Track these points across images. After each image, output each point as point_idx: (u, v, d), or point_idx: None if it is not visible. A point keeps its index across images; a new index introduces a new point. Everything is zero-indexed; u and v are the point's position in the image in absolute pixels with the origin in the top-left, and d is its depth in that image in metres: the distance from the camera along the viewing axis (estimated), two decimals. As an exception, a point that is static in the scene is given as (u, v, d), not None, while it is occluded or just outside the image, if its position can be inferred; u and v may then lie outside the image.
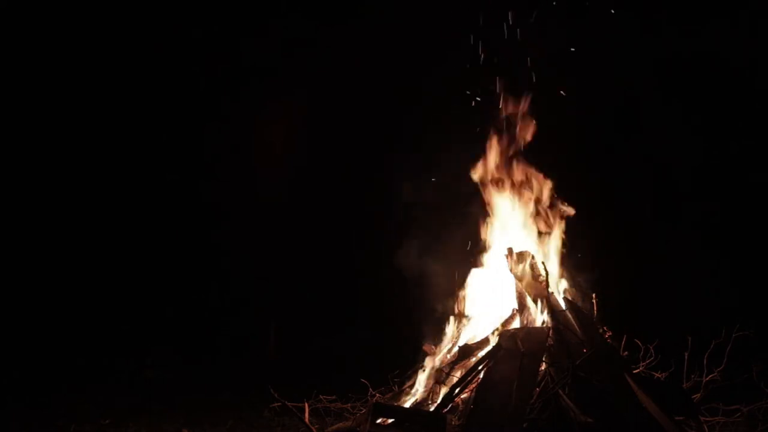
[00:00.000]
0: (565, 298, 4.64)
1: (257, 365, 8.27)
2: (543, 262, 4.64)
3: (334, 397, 4.77)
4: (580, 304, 4.68)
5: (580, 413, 3.57)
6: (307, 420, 4.16)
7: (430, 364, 4.82)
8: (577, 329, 4.32)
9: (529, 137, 5.22)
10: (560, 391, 3.74)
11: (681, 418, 4.02)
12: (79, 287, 8.94)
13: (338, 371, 6.17)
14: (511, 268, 4.75)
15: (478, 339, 4.65)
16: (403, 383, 4.84)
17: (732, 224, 8.84)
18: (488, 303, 4.96)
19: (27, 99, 8.95)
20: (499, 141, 5.25)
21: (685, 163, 8.85)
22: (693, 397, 4.42)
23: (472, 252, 5.26)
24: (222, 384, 7.25)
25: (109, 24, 8.99)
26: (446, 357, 4.77)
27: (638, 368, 4.61)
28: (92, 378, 7.31)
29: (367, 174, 9.13)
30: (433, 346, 4.97)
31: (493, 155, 5.26)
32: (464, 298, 5.11)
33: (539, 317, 4.48)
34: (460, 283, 5.18)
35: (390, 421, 4.03)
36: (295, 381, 5.29)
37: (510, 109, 5.29)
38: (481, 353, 4.39)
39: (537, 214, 5.12)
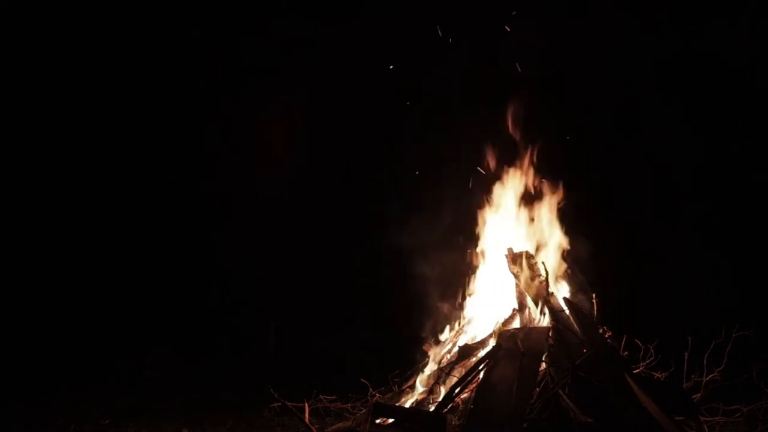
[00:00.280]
0: (565, 298, 4.64)
1: (257, 365, 8.27)
2: (543, 262, 4.64)
3: (334, 397, 4.76)
4: (579, 303, 4.69)
5: (580, 413, 3.57)
6: (307, 420, 4.16)
7: (430, 364, 4.83)
8: (577, 329, 4.32)
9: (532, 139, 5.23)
10: (560, 391, 3.74)
11: (681, 418, 4.01)
12: (79, 287, 8.94)
13: (338, 371, 6.17)
14: (511, 268, 4.75)
15: (478, 339, 4.66)
16: (403, 383, 4.84)
17: (732, 224, 8.84)
18: (488, 303, 4.96)
19: (27, 99, 8.94)
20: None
21: (685, 163, 8.85)
22: (693, 397, 4.42)
23: (472, 252, 5.26)
24: (222, 384, 7.25)
25: (109, 24, 8.99)
26: (446, 357, 4.77)
27: (638, 368, 4.61)
28: (92, 378, 7.31)
29: (367, 174, 9.14)
30: (433, 346, 4.98)
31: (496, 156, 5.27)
32: (464, 298, 5.12)
33: (539, 317, 4.49)
34: (461, 284, 5.19)
35: (390, 421, 4.03)
36: (295, 381, 5.29)
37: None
38: (481, 353, 4.39)
39: (538, 213, 5.12)
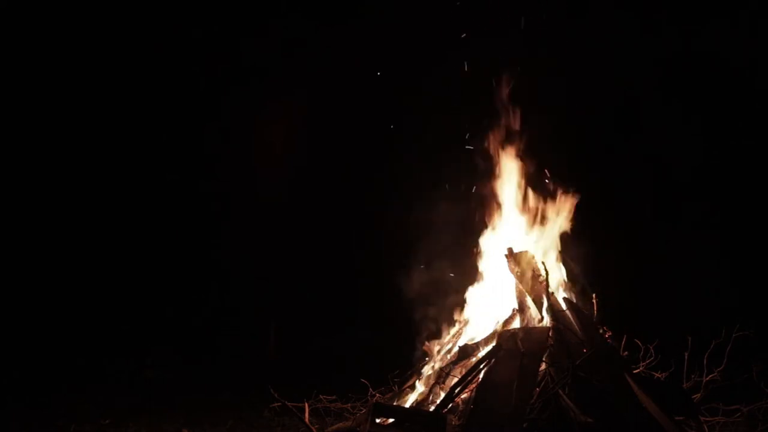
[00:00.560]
0: (565, 298, 4.64)
1: (257, 365, 8.26)
2: (543, 262, 4.64)
3: (334, 397, 4.77)
4: (579, 303, 4.69)
5: (580, 413, 3.57)
6: (307, 420, 4.16)
7: (430, 364, 4.83)
8: (577, 329, 4.32)
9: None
10: (560, 391, 3.74)
11: (681, 418, 4.01)
12: (79, 287, 8.94)
13: (338, 371, 6.17)
14: (511, 268, 4.75)
15: (478, 339, 4.65)
16: (403, 383, 4.84)
17: (732, 224, 8.84)
18: (488, 303, 4.96)
19: (27, 99, 8.95)
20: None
21: (685, 163, 8.85)
22: (693, 397, 4.42)
23: (472, 252, 5.25)
24: (222, 384, 7.25)
25: (109, 24, 8.99)
26: (446, 357, 4.77)
27: (638, 368, 4.61)
28: (92, 378, 7.31)
29: (367, 174, 9.14)
30: (433, 346, 4.98)
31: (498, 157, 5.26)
32: (464, 298, 5.12)
33: (539, 317, 4.49)
34: (461, 284, 5.19)
35: (390, 421, 4.03)
36: (295, 381, 5.29)
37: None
38: (481, 353, 4.39)
39: (539, 213, 5.12)
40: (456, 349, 4.63)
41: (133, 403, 6.17)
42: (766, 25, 8.36)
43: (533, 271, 4.68)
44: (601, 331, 4.48)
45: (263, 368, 8.05)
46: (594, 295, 4.72)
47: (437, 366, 4.70)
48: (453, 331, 5.03)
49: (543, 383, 3.94)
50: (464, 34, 6.09)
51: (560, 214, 5.00)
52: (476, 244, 5.24)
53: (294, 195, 9.53)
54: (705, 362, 4.56)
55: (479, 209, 5.30)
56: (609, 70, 8.33)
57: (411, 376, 4.87)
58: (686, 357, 4.56)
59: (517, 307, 4.66)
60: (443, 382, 4.42)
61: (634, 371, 4.46)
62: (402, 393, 4.75)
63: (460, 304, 5.13)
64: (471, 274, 5.20)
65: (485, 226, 5.25)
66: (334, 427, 4.33)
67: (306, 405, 4.30)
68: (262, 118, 9.41)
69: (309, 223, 9.35)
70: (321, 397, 4.66)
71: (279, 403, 4.37)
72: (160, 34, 9.03)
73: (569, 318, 4.42)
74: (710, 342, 4.62)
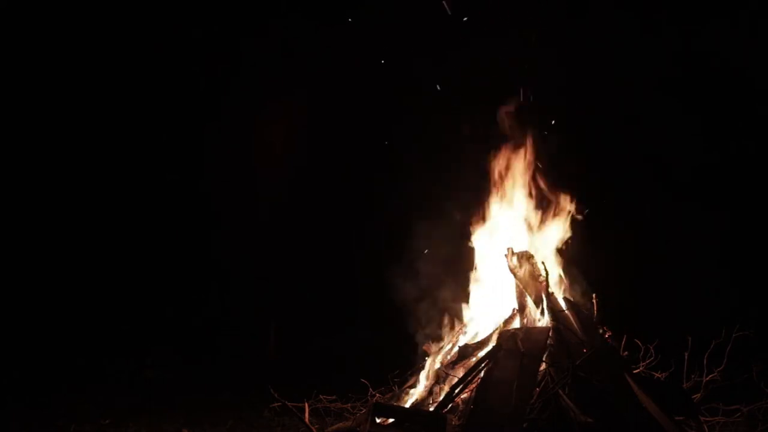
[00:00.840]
0: (565, 298, 4.64)
1: (257, 365, 8.26)
2: (543, 262, 4.64)
3: (334, 397, 4.77)
4: (580, 303, 4.69)
5: (580, 413, 3.58)
6: (307, 420, 4.16)
7: (430, 364, 4.83)
8: (577, 329, 4.32)
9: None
10: (560, 391, 3.74)
11: (681, 418, 4.02)
12: (79, 287, 8.94)
13: (338, 371, 6.17)
14: (511, 268, 4.75)
15: (478, 339, 4.65)
16: (403, 383, 4.84)
17: (732, 224, 8.83)
18: (488, 303, 4.96)
19: (27, 99, 8.94)
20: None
21: (686, 163, 8.85)
22: (693, 397, 4.42)
23: (472, 252, 5.25)
24: (222, 384, 7.25)
25: (109, 24, 8.99)
26: (446, 357, 4.77)
27: (638, 368, 4.61)
28: (92, 378, 7.31)
29: (367, 174, 9.13)
30: (433, 346, 4.98)
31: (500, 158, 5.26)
32: (465, 298, 5.12)
33: (539, 317, 4.48)
34: (461, 283, 5.19)
35: (390, 421, 4.03)
36: (295, 381, 5.30)
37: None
38: (481, 353, 4.39)
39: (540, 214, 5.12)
40: (456, 349, 4.64)
41: (133, 403, 6.17)
42: (766, 25, 8.35)
43: (533, 270, 4.68)
44: (601, 331, 4.48)
45: (263, 368, 8.05)
46: (594, 295, 4.72)
47: (437, 366, 4.70)
48: (453, 331, 5.02)
49: (543, 383, 3.94)
50: (465, 17, 6.05)
51: (561, 220, 5.01)
52: (476, 245, 5.24)
53: (294, 195, 9.53)
54: (705, 362, 4.56)
55: (480, 210, 5.30)
56: (609, 70, 8.32)
57: (411, 376, 4.87)
58: (686, 357, 4.56)
59: (517, 307, 4.66)
60: (443, 382, 4.42)
61: (634, 371, 4.46)
62: (402, 393, 4.75)
63: (461, 304, 5.12)
64: (471, 274, 5.20)
65: (485, 227, 5.25)
66: (334, 427, 4.33)
67: (306, 405, 4.30)
68: (262, 118, 9.41)
69: (309, 223, 9.35)
70: (321, 397, 4.67)
71: (279, 403, 4.37)
72: (160, 34, 9.03)
73: (569, 318, 4.42)
74: (710, 342, 4.62)
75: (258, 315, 9.34)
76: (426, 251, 5.62)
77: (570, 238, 5.01)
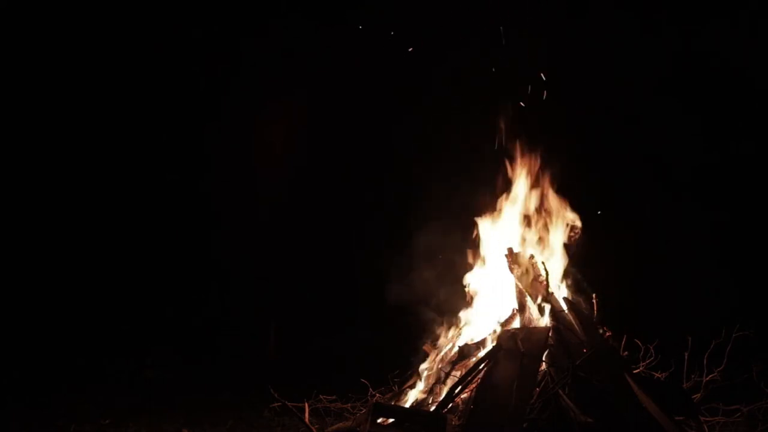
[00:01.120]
0: (565, 298, 4.64)
1: (257, 365, 8.27)
2: (543, 262, 4.64)
3: (334, 397, 4.77)
4: (579, 303, 4.69)
5: (580, 413, 3.57)
6: (307, 420, 4.16)
7: (430, 364, 4.82)
8: (577, 329, 4.32)
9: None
10: (560, 391, 3.74)
11: (681, 418, 4.02)
12: (79, 287, 8.94)
13: (338, 371, 6.17)
14: (511, 268, 4.75)
15: (478, 339, 4.65)
16: (403, 383, 4.84)
17: (732, 224, 8.84)
18: (488, 303, 4.96)
19: (26, 99, 8.94)
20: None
21: (686, 162, 8.85)
22: (693, 397, 4.42)
23: (472, 252, 5.25)
24: (222, 384, 7.25)
25: (109, 24, 8.99)
26: (446, 357, 4.77)
27: (638, 368, 4.61)
28: (92, 378, 7.30)
29: (367, 174, 9.13)
30: (433, 346, 4.97)
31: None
32: (465, 297, 5.12)
33: (539, 317, 4.48)
34: (461, 284, 5.19)
35: (390, 421, 4.03)
36: (295, 381, 5.30)
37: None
38: (481, 353, 4.39)
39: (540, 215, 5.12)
40: (456, 349, 4.63)
41: (133, 403, 6.16)
42: (766, 25, 8.35)
43: (533, 270, 4.68)
44: (601, 331, 4.48)
45: (263, 368, 8.05)
46: (594, 295, 4.72)
47: (437, 366, 4.69)
48: (453, 331, 5.02)
49: (543, 383, 3.94)
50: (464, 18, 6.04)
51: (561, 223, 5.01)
52: (476, 245, 5.24)
53: (294, 195, 9.53)
54: (705, 362, 4.56)
55: (481, 209, 5.31)
56: (609, 70, 8.33)
57: (411, 376, 4.87)
58: (686, 357, 4.56)
59: (517, 307, 4.66)
60: (443, 382, 4.42)
61: (634, 371, 4.46)
62: (402, 393, 4.75)
63: (460, 304, 5.12)
64: (471, 274, 5.19)
65: (486, 227, 5.24)
66: (334, 427, 4.33)
67: (306, 405, 4.30)
68: (262, 118, 9.41)
69: (309, 223, 9.35)
70: (321, 397, 4.66)
71: (279, 403, 4.37)
72: (160, 34, 9.03)
73: (569, 318, 4.42)
74: (710, 342, 4.62)
75: (258, 315, 9.35)
76: (426, 252, 5.61)
77: (575, 239, 5.00)
